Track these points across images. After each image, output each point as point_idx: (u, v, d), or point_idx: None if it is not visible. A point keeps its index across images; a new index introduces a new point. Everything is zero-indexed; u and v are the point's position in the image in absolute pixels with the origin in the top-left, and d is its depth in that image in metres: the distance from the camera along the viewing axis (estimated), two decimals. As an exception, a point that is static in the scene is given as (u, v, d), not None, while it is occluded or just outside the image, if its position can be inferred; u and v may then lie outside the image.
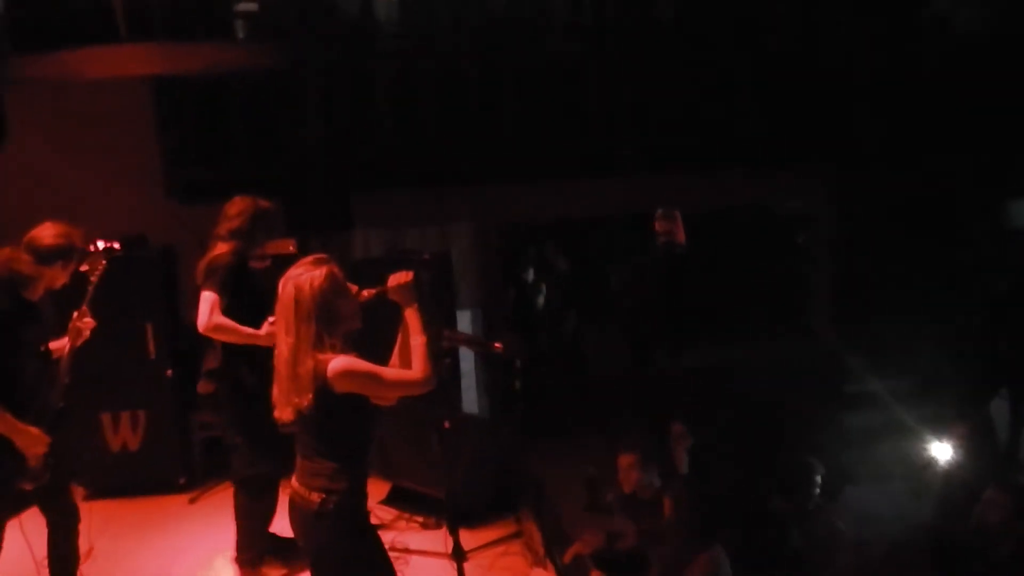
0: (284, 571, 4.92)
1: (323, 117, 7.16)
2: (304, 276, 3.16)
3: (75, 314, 4.28)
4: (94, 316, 4.33)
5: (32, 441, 4.02)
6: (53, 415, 4.18)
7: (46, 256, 4.09)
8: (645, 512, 5.13)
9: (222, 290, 4.59)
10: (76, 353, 4.28)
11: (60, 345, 4.29)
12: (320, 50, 7.29)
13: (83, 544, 5.37)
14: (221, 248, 4.76)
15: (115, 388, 6.21)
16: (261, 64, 7.15)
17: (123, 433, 6.26)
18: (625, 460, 5.41)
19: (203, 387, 4.85)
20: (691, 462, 5.84)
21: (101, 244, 6.13)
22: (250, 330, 4.62)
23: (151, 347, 6.09)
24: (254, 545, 4.86)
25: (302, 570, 4.79)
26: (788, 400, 8.11)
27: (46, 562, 4.49)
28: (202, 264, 4.72)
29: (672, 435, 5.83)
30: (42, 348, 4.20)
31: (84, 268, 4.37)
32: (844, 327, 8.91)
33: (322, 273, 3.17)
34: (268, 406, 4.82)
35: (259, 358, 4.64)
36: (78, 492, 6.23)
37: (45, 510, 4.42)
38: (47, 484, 4.23)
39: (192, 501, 6.14)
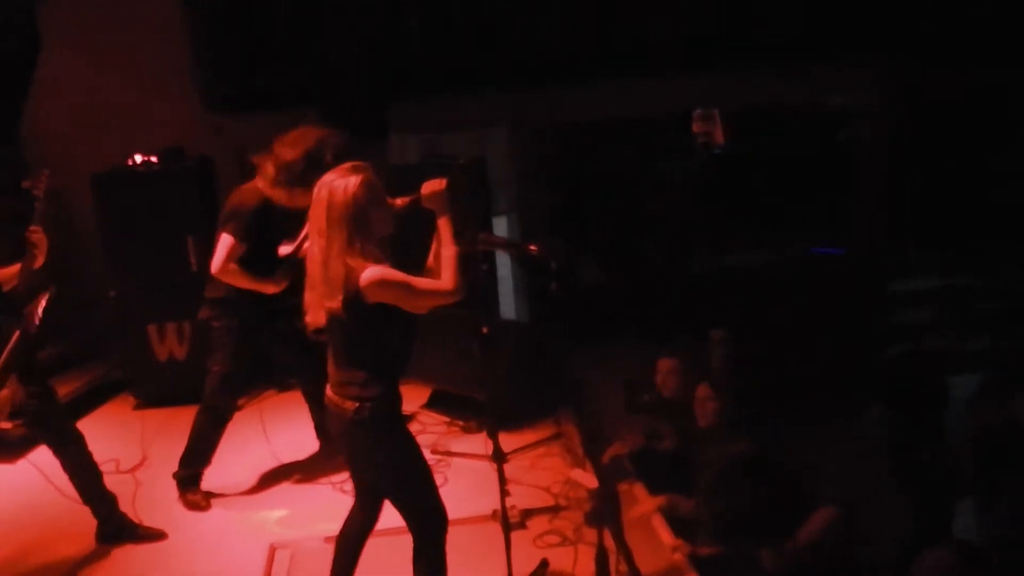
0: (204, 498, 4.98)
1: (358, 24, 7.04)
2: (339, 182, 3.12)
3: (27, 234, 3.96)
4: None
5: None
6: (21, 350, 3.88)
7: None
8: (684, 416, 5.14)
9: (243, 236, 4.54)
10: (37, 275, 3.97)
11: (9, 273, 4.02)
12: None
13: (136, 451, 5.59)
14: (250, 190, 4.65)
15: (160, 301, 6.31)
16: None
17: (169, 344, 6.40)
18: (664, 364, 5.40)
19: (202, 312, 4.83)
20: (733, 367, 5.81)
21: (139, 158, 6.24)
22: (258, 283, 4.64)
23: (192, 259, 6.14)
24: (195, 464, 4.95)
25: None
26: (830, 301, 8.04)
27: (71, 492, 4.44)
28: (227, 203, 4.66)
29: (711, 341, 5.80)
30: None
31: (26, 184, 4.06)
32: (891, 226, 8.73)
33: (358, 180, 3.13)
34: (258, 347, 4.88)
35: (265, 298, 4.72)
36: (128, 402, 6.47)
37: (46, 444, 4.28)
38: (33, 420, 4.03)
39: (239, 408, 6.28)
